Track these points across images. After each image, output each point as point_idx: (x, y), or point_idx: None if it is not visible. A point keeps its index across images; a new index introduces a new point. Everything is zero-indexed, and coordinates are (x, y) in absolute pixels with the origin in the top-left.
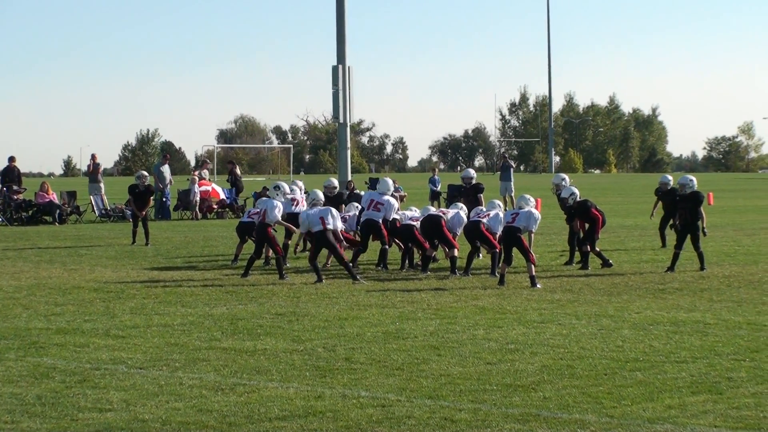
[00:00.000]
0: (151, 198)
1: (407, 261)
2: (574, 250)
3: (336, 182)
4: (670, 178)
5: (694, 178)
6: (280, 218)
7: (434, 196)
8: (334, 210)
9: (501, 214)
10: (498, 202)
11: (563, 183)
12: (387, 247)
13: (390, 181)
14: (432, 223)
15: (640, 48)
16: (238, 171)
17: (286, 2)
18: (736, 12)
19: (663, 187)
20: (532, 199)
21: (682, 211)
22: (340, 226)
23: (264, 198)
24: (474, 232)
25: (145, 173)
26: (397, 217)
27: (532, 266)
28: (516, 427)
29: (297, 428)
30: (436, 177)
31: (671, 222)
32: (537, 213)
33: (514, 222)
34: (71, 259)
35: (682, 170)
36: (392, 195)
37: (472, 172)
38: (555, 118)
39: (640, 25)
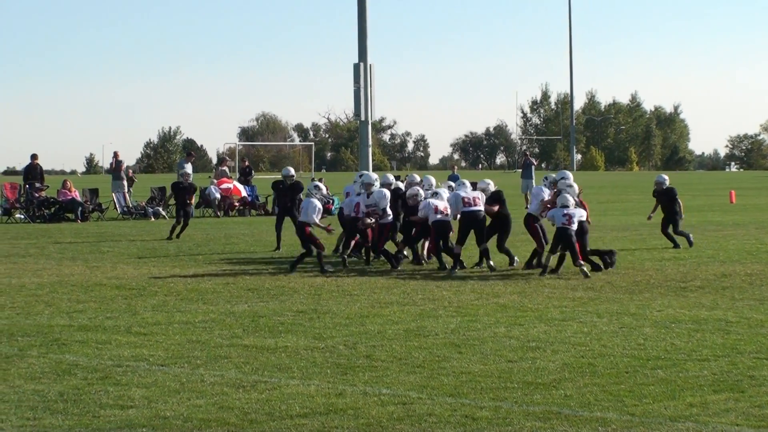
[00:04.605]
0: (194, 195)
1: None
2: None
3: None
4: (666, 177)
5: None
6: (318, 220)
7: None
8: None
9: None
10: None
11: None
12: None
13: (384, 192)
14: (474, 219)
15: (661, 45)
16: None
17: (307, 0)
18: (758, 10)
19: (659, 188)
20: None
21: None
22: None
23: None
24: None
25: (188, 171)
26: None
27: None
28: (537, 425)
29: (318, 425)
30: (456, 174)
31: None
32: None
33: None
34: (93, 256)
35: (704, 168)
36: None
37: (432, 179)
38: (576, 115)
39: (662, 23)
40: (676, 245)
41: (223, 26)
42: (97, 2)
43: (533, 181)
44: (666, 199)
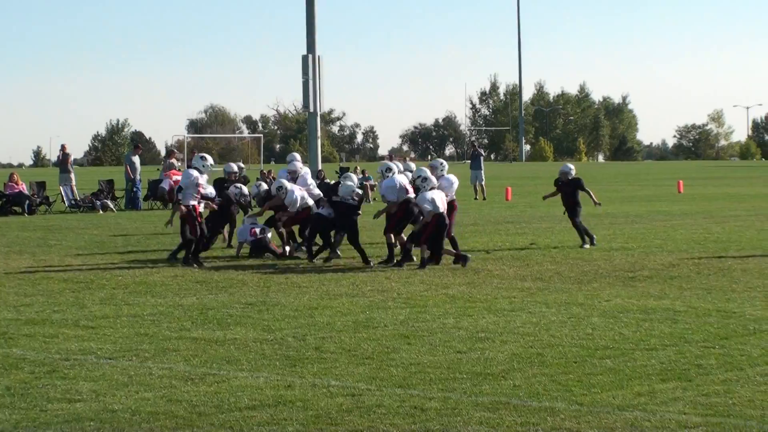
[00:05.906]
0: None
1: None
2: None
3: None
4: (572, 167)
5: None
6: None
7: None
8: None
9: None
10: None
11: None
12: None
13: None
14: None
15: (610, 36)
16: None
17: None
18: (705, 1)
19: (563, 177)
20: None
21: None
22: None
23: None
24: None
25: (235, 169)
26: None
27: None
28: (486, 415)
29: (267, 418)
30: (411, 164)
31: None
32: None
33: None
34: (41, 249)
35: (652, 158)
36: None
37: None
38: (525, 106)
39: (610, 13)
40: (585, 237)
41: (170, 18)
42: None
43: (482, 172)
44: (570, 189)
